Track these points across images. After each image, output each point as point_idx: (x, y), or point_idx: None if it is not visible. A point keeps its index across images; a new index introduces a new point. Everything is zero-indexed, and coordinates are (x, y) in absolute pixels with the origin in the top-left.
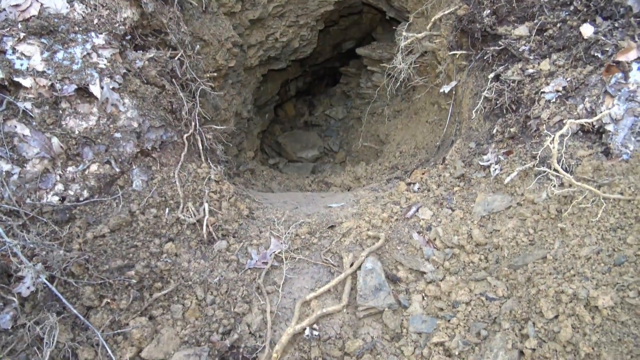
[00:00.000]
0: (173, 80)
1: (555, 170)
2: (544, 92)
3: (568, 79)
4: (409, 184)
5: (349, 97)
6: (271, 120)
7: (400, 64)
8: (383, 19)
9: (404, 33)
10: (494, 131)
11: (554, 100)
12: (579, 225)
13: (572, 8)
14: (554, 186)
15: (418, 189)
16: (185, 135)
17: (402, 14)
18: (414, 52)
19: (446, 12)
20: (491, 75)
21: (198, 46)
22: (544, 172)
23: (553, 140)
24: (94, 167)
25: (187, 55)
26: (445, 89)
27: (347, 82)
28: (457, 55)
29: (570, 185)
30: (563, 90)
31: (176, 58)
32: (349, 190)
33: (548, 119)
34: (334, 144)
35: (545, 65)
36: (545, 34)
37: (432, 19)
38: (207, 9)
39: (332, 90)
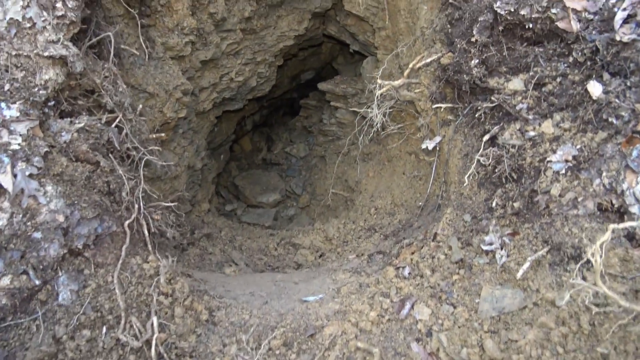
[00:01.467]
0: (110, 153)
1: (592, 283)
2: (550, 162)
3: (578, 147)
4: (397, 267)
5: (310, 132)
6: (227, 160)
7: (376, 115)
8: (344, 49)
9: (378, 80)
10: (493, 204)
11: (563, 172)
12: (625, 352)
13: (570, 59)
14: (589, 298)
15: (409, 274)
16: (127, 223)
17: (367, 48)
18: (387, 99)
19: (428, 61)
20: (486, 138)
21: (140, 106)
22: (566, 269)
23: (594, 251)
24: (5, 281)
25: (127, 119)
26: (428, 144)
27: (307, 115)
28: (442, 108)
29: (606, 299)
30: (573, 160)
31: (113, 125)
32: (320, 256)
33: (559, 195)
34: (297, 186)
35: (547, 127)
36: (543, 89)
37: (410, 66)
38: (151, 55)
39: (291, 123)
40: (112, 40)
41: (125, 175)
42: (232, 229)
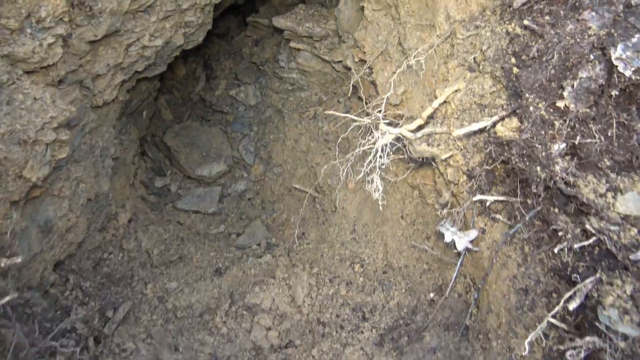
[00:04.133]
0: None
1: None
2: None
3: None
4: None
5: (262, 72)
6: (151, 115)
7: (377, 164)
8: None
9: (381, 126)
10: None
11: None
12: None
13: None
14: None
15: None
16: None
17: None
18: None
19: (474, 128)
20: (567, 295)
21: None
22: None
23: None
24: None
25: None
26: (456, 241)
27: (256, 38)
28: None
29: None
30: None
31: None
32: (286, 345)
33: None
34: (247, 152)
35: None
36: None
37: (435, 105)
38: None
39: (236, 45)
40: None
41: None
42: (162, 265)
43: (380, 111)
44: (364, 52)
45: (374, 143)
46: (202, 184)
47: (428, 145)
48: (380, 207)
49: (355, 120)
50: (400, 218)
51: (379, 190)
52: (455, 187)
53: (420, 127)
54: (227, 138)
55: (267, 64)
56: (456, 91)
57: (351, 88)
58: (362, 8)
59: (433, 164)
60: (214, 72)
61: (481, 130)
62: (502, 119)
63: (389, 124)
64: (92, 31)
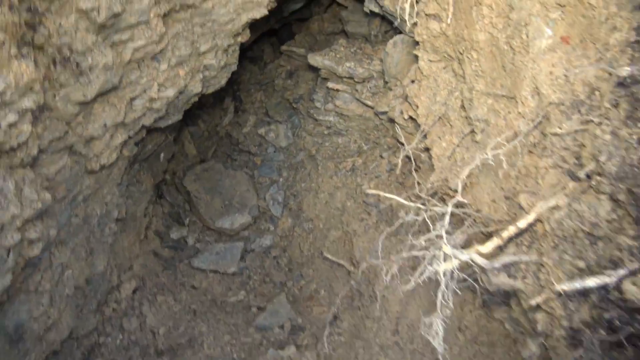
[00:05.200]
0: None
1: None
2: None
3: None
4: None
5: (295, 111)
6: (169, 157)
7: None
8: None
9: (444, 248)
10: None
11: None
12: None
13: None
14: None
15: None
16: None
17: (397, 19)
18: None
19: (588, 285)
20: None
21: None
22: None
23: None
24: None
25: None
26: None
27: (291, 72)
28: None
29: None
30: None
31: None
32: None
33: None
34: (275, 202)
35: None
36: None
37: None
38: None
39: (267, 75)
40: None
41: None
42: (168, 351)
43: (432, 196)
44: (417, 112)
45: (430, 260)
46: (223, 236)
47: (509, 276)
48: (440, 357)
49: (403, 205)
50: (458, 330)
51: (438, 335)
52: (549, 340)
53: (497, 249)
54: (254, 184)
55: (301, 101)
56: (554, 208)
57: (401, 158)
58: (416, 56)
59: (514, 298)
60: (243, 105)
61: (599, 287)
62: (634, 273)
63: (453, 238)
64: (81, 91)
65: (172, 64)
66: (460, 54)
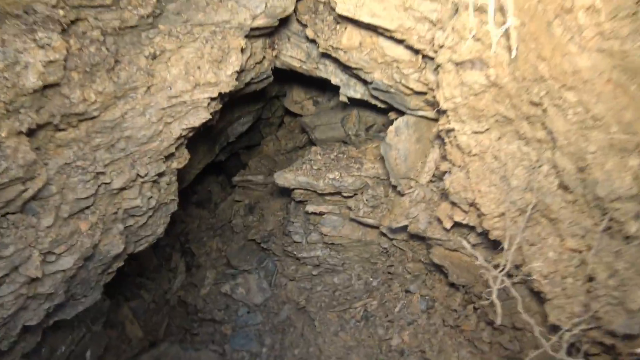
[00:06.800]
0: None
1: None
2: None
3: None
4: None
5: (267, 252)
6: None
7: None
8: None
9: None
10: None
11: None
12: None
13: None
14: None
15: None
16: None
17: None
18: None
19: None
20: None
21: None
22: None
23: None
24: None
25: None
26: None
27: (250, 206)
28: None
29: None
30: None
31: None
32: None
33: None
34: None
35: None
36: None
37: None
38: None
39: (221, 217)
40: None
41: None
42: None
43: None
44: (481, 210)
45: None
46: None
47: None
48: None
49: None
50: None
51: None
52: None
53: None
54: None
55: (273, 239)
56: None
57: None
58: (439, 137)
59: None
60: (196, 259)
61: None
62: None
63: None
64: None
65: (62, 214)
66: (536, 105)
